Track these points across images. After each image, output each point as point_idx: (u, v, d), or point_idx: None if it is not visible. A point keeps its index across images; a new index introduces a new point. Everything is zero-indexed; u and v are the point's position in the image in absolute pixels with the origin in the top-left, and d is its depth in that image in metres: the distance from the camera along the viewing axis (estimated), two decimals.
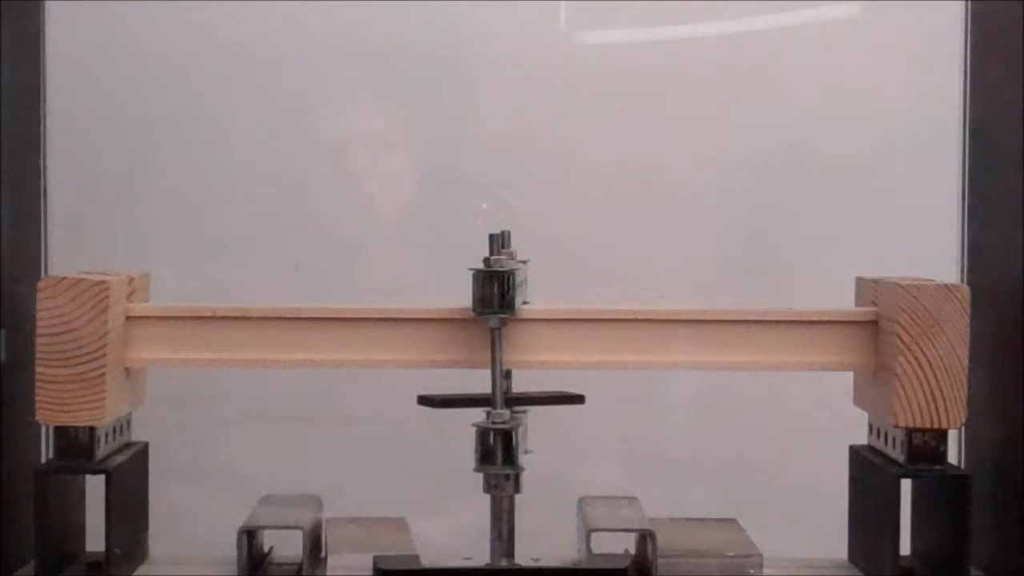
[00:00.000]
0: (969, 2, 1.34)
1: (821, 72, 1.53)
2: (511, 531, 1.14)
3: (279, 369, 1.21)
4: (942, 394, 1.14)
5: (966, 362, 1.14)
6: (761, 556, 1.20)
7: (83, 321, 1.14)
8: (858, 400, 1.26)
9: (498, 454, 1.11)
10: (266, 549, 1.25)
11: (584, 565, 1.16)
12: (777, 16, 1.55)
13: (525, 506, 1.14)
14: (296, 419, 1.52)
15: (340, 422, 1.53)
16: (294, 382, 1.47)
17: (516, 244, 1.20)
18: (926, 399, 1.14)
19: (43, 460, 1.23)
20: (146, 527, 1.26)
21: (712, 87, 1.53)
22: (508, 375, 1.17)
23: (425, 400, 1.15)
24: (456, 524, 1.36)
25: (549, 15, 1.55)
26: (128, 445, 1.24)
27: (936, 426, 1.14)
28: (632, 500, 1.27)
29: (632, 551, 1.20)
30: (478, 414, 1.13)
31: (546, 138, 1.53)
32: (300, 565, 1.20)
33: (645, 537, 1.18)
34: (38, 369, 1.14)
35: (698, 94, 1.53)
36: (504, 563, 1.13)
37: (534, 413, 1.16)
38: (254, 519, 1.21)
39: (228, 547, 1.18)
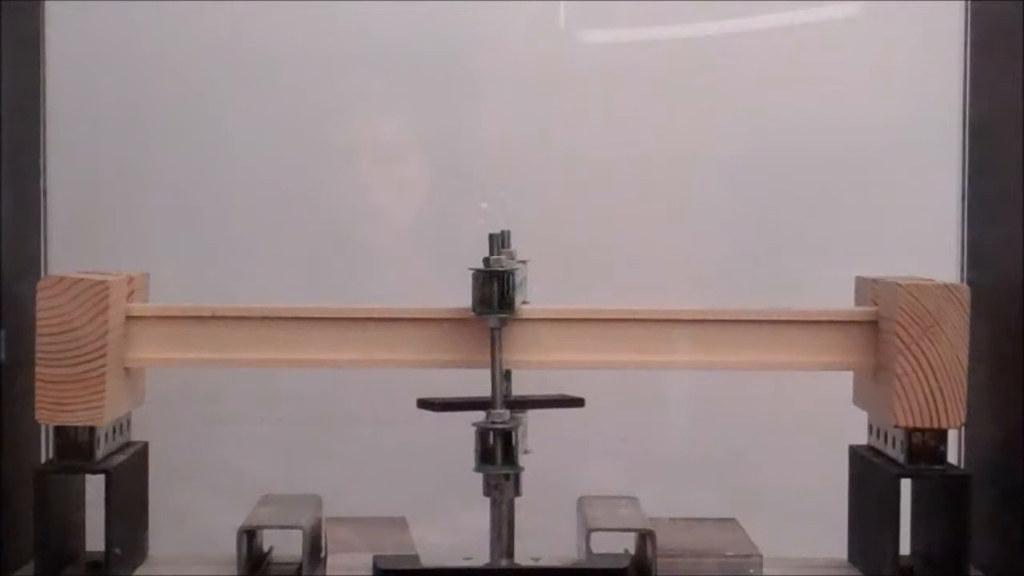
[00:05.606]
0: (969, 2, 1.34)
1: (821, 72, 1.53)
2: (511, 531, 1.14)
3: (279, 369, 1.21)
4: (942, 394, 1.14)
5: (966, 362, 1.14)
6: (761, 556, 1.20)
7: (83, 321, 1.14)
8: (858, 400, 1.26)
9: (498, 454, 1.11)
10: (266, 549, 1.25)
11: (584, 565, 1.16)
12: (777, 16, 1.55)
13: (525, 506, 1.14)
14: (296, 419, 1.52)
15: (340, 422, 1.53)
16: (294, 382, 1.47)
17: (516, 244, 1.20)
18: (926, 399, 1.14)
19: (43, 460, 1.23)
20: (146, 527, 1.26)
21: (711, 87, 1.53)
22: (508, 375, 1.17)
23: (425, 404, 1.15)
24: (456, 525, 1.36)
25: (549, 15, 1.55)
26: (128, 445, 1.24)
27: (936, 426, 1.14)
28: (632, 500, 1.27)
29: (632, 551, 1.20)
30: (478, 414, 1.13)
31: (546, 138, 1.53)
32: (300, 565, 1.20)
33: (645, 537, 1.18)
34: (38, 369, 1.14)
35: (698, 94, 1.53)
36: (504, 563, 1.13)
37: (534, 414, 1.16)
38: (254, 519, 1.21)
39: (228, 547, 1.18)
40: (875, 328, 1.19)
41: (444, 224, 1.53)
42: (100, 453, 1.17)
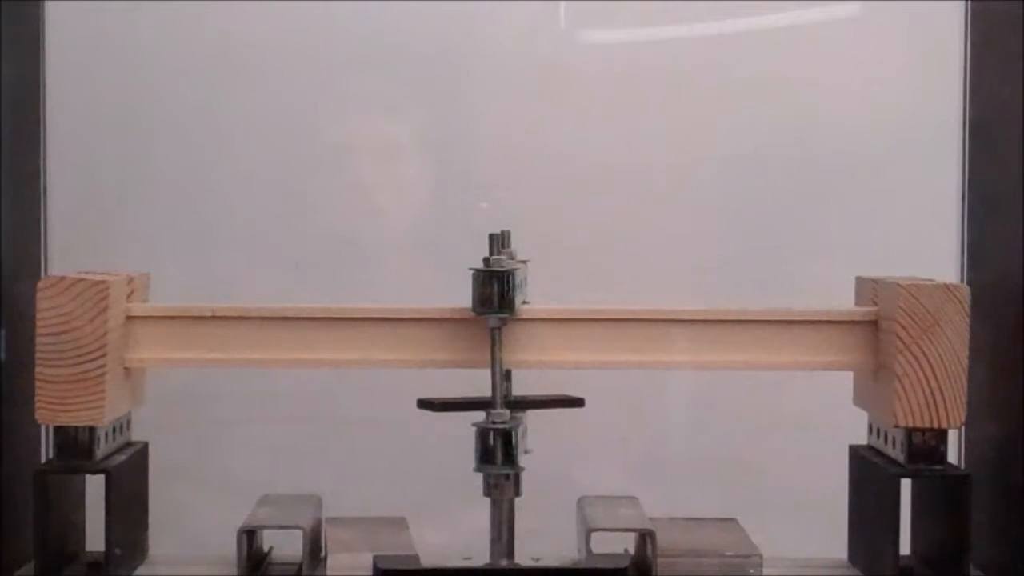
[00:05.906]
0: (969, 2, 1.34)
1: (821, 72, 1.53)
2: (511, 531, 1.14)
3: (279, 369, 1.21)
4: (942, 394, 1.14)
5: (966, 362, 1.14)
6: (761, 556, 1.20)
7: (83, 321, 1.14)
8: (858, 400, 1.26)
9: (498, 454, 1.11)
10: (266, 549, 1.25)
11: (584, 565, 1.16)
12: (777, 16, 1.55)
13: (525, 506, 1.14)
14: (296, 419, 1.52)
15: (340, 422, 1.52)
16: (294, 382, 1.47)
17: (516, 244, 1.20)
18: (926, 399, 1.14)
19: (43, 460, 1.23)
20: (146, 527, 1.26)
21: (712, 87, 1.53)
22: (508, 375, 1.17)
23: (425, 404, 1.15)
24: (456, 526, 1.36)
25: (549, 15, 1.55)
26: (128, 445, 1.24)
27: (936, 426, 1.14)
28: (632, 500, 1.27)
29: (632, 551, 1.20)
30: (478, 415, 1.13)
31: (546, 137, 1.53)
32: (300, 565, 1.20)
33: (645, 537, 1.18)
34: (38, 369, 1.14)
35: (698, 94, 1.53)
36: (504, 563, 1.13)
37: (534, 413, 1.16)
38: (254, 519, 1.21)
39: (228, 547, 1.18)
40: (875, 328, 1.19)
41: (444, 224, 1.53)
42: (100, 453, 1.16)
